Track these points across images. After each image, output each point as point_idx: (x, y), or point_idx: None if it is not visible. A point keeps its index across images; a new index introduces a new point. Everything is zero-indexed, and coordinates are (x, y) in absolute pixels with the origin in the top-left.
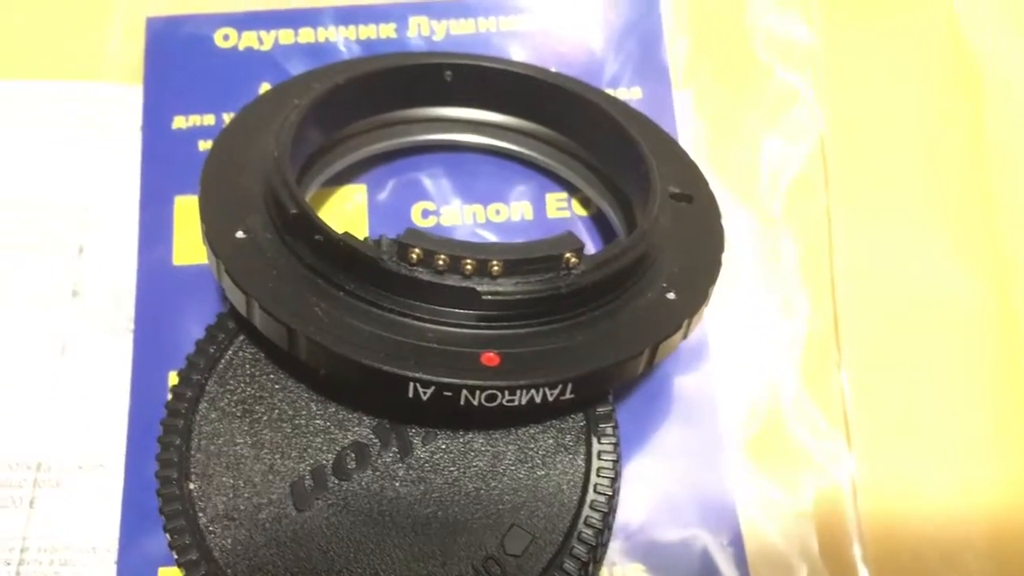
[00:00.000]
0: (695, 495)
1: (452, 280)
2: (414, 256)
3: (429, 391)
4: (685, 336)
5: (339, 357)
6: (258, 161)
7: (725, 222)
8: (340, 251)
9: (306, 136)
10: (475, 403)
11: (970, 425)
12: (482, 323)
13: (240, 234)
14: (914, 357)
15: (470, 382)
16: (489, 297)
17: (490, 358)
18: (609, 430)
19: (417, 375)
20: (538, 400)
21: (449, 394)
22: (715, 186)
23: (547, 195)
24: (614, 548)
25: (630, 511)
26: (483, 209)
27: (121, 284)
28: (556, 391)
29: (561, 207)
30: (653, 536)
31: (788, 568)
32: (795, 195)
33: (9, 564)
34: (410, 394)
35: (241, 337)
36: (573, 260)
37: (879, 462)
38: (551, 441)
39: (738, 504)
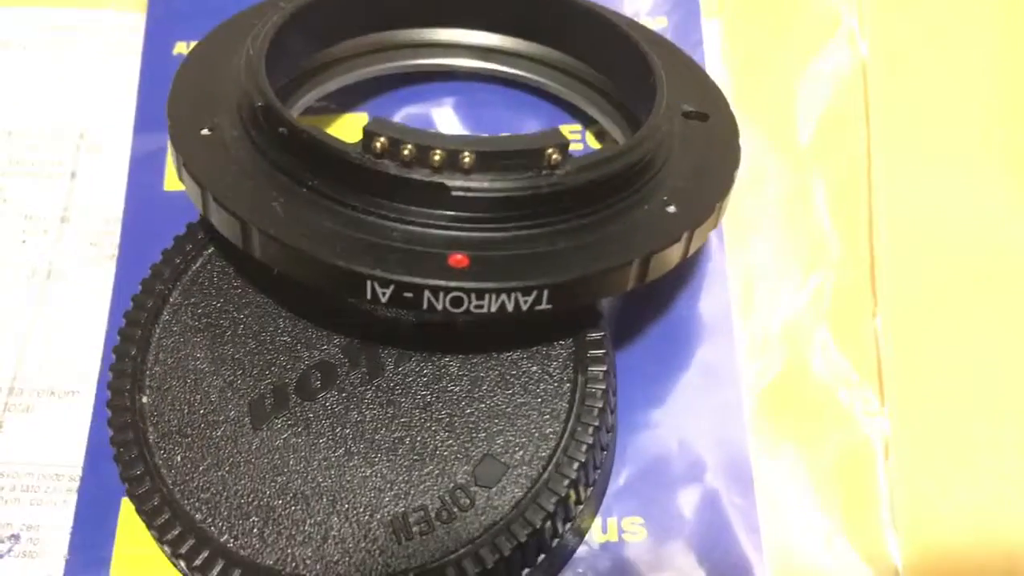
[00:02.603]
0: (707, 446)
1: (419, 174)
2: (378, 146)
3: (388, 291)
4: (686, 254)
5: (293, 252)
6: (236, 65)
7: (751, 157)
8: (304, 144)
9: (292, 45)
10: (439, 307)
11: (1020, 383)
12: (453, 223)
13: (205, 131)
14: (960, 307)
15: (432, 282)
16: (460, 194)
17: (458, 260)
18: (599, 358)
19: (375, 272)
20: (510, 307)
21: (410, 295)
22: (743, 117)
23: (560, 126)
24: (612, 497)
25: (633, 460)
26: None
27: (111, 211)
28: (530, 298)
29: (575, 139)
30: (657, 488)
31: (806, 530)
32: (830, 129)
33: None
34: (368, 295)
35: (210, 249)
36: (556, 157)
37: (915, 420)
38: (535, 368)
39: (753, 458)
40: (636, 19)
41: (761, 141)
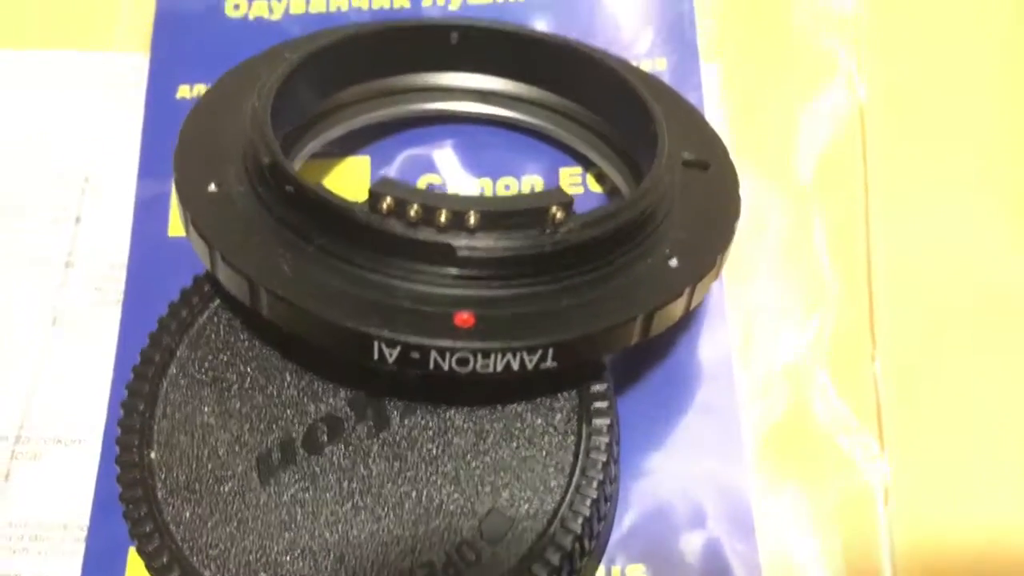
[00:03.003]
0: (708, 492)
1: (425, 234)
2: (385, 206)
3: (395, 352)
4: (688, 307)
5: (301, 312)
6: (241, 117)
7: (751, 198)
8: (311, 202)
9: (296, 95)
10: (445, 367)
11: (1019, 426)
12: (458, 282)
13: (212, 187)
14: (959, 350)
15: (439, 343)
16: (466, 253)
17: (464, 319)
18: (603, 410)
19: (382, 333)
20: (515, 366)
21: (417, 356)
22: (742, 160)
23: (560, 169)
24: (615, 545)
25: (636, 506)
26: (492, 183)
27: (115, 256)
28: (535, 357)
29: (575, 182)
30: (659, 535)
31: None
32: (828, 170)
33: None
34: (375, 355)
35: (216, 302)
36: (560, 215)
37: (915, 464)
38: (539, 420)
39: (754, 504)
40: (636, 61)
41: (760, 183)
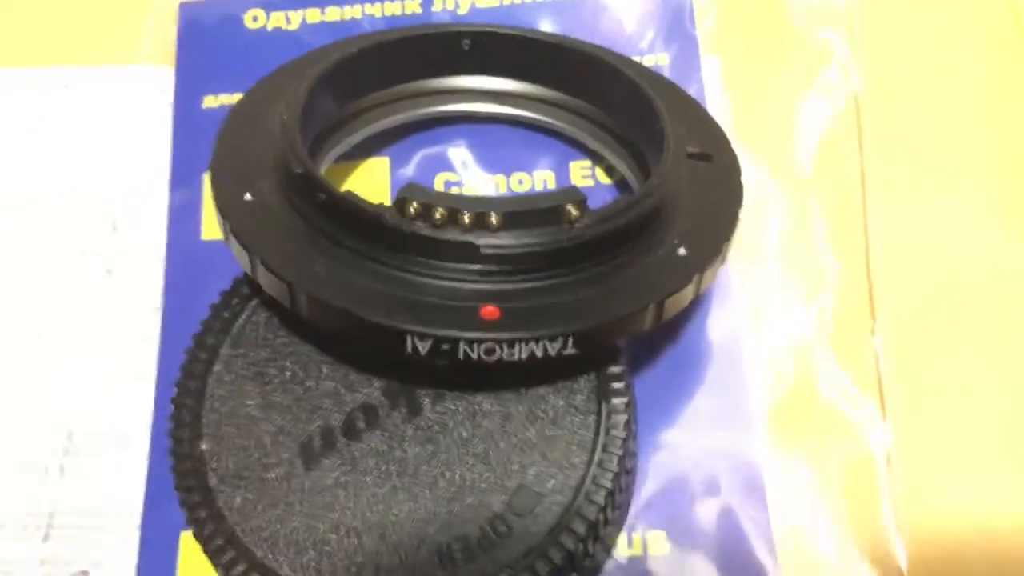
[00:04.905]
0: (721, 464)
1: (450, 234)
2: (412, 210)
3: (427, 344)
4: (697, 293)
5: (338, 312)
6: (271, 129)
7: (752, 187)
8: (341, 208)
9: (320, 105)
10: (474, 356)
11: (1015, 395)
12: (482, 278)
13: (248, 196)
14: (955, 323)
15: (467, 335)
16: (489, 251)
17: (489, 311)
18: (620, 390)
19: (415, 328)
20: (539, 354)
21: (447, 347)
22: (743, 150)
23: (571, 163)
24: (635, 514)
25: (654, 478)
26: (506, 179)
27: (153, 261)
28: (557, 344)
29: (585, 175)
30: (677, 504)
31: (816, 539)
32: (826, 158)
33: (39, 529)
34: (408, 348)
35: (255, 301)
36: (575, 213)
37: (915, 431)
38: (561, 402)
39: (765, 473)
40: (638, 57)
41: (761, 171)
